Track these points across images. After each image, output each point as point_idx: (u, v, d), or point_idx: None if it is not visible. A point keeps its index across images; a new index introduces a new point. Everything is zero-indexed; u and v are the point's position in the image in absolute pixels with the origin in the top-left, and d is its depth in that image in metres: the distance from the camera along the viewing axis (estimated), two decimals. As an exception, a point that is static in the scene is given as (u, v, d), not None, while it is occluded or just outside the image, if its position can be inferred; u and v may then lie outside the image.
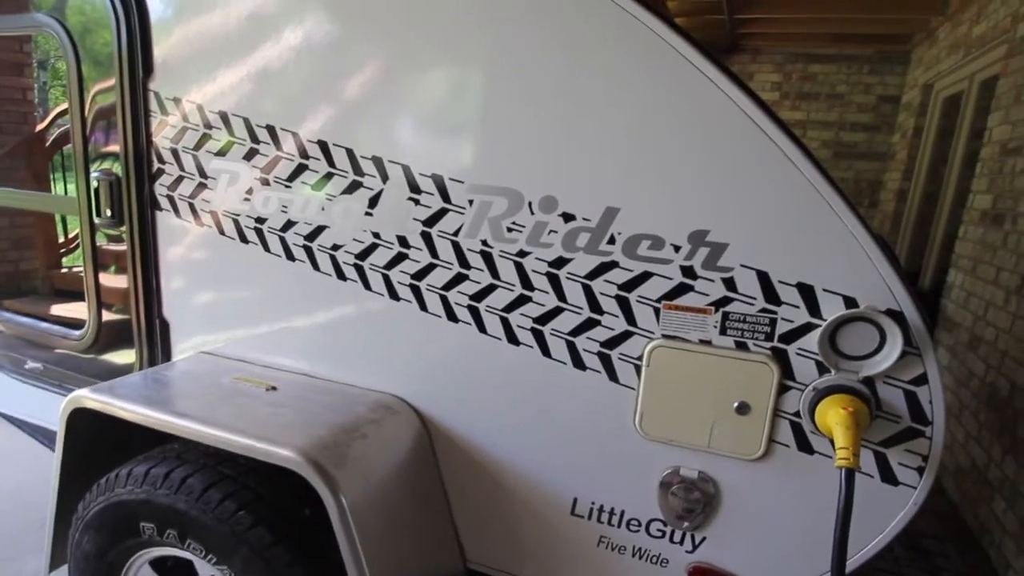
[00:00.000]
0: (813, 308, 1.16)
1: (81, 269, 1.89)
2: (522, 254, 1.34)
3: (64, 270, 3.30)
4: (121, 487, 1.39)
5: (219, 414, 1.37)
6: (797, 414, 1.20)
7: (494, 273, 1.37)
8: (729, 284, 1.20)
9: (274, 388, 1.52)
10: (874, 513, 1.19)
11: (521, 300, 1.36)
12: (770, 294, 1.18)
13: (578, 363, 1.35)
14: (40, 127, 3.38)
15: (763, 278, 1.18)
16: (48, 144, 3.28)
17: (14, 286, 3.36)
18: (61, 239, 3.53)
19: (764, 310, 1.19)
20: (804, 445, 1.21)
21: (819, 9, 5.16)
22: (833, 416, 1.09)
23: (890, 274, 1.10)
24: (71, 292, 2.91)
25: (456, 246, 1.39)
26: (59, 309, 2.41)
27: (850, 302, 1.13)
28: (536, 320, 1.36)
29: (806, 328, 1.17)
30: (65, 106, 2.26)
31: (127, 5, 1.63)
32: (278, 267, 1.59)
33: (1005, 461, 2.78)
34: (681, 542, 1.35)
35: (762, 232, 1.17)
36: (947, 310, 3.85)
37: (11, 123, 3.47)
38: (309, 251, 1.54)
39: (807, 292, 1.15)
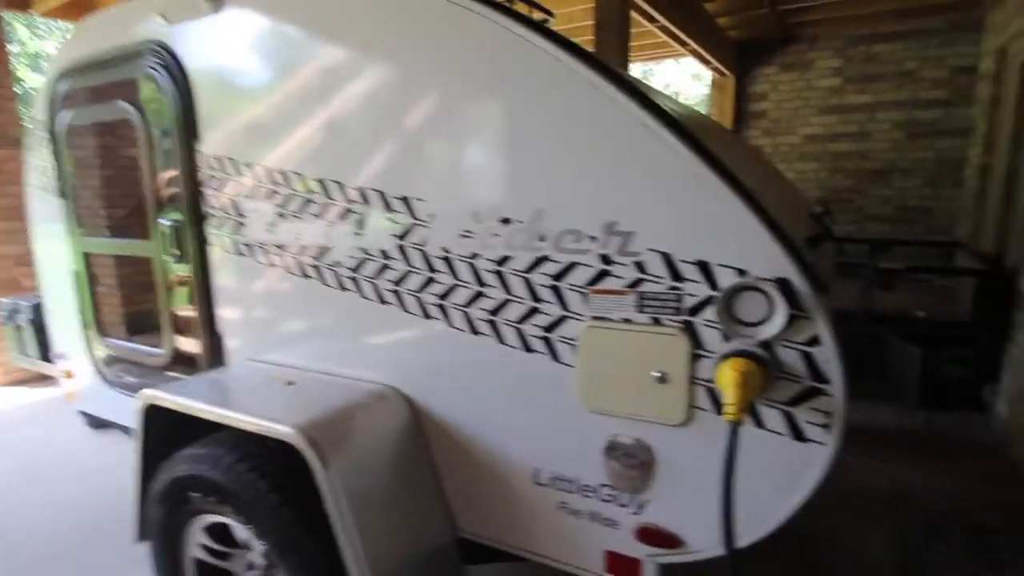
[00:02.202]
0: (712, 282, 1.28)
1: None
2: (474, 256, 1.56)
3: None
4: (176, 466, 1.75)
5: (241, 403, 1.69)
6: (711, 380, 1.31)
7: (455, 274, 1.60)
8: (640, 267, 1.35)
9: (292, 383, 1.83)
10: (790, 471, 1.27)
11: (477, 296, 1.58)
12: (674, 273, 1.31)
13: (527, 347, 1.53)
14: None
15: (667, 259, 1.31)
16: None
17: (143, 323, 4.02)
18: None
19: (671, 288, 1.32)
20: (722, 409, 1.32)
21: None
22: (724, 377, 1.21)
23: (776, 245, 1.20)
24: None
25: (424, 254, 1.63)
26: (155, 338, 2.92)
27: (741, 274, 1.24)
28: (491, 312, 1.57)
29: (709, 301, 1.29)
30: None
31: (179, 89, 2.05)
32: (296, 284, 1.91)
33: (1082, 447, 2.55)
34: (628, 505, 1.48)
35: (661, 218, 1.31)
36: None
37: (131, 186, 4.20)
38: (318, 269, 1.85)
39: (705, 268, 1.28)
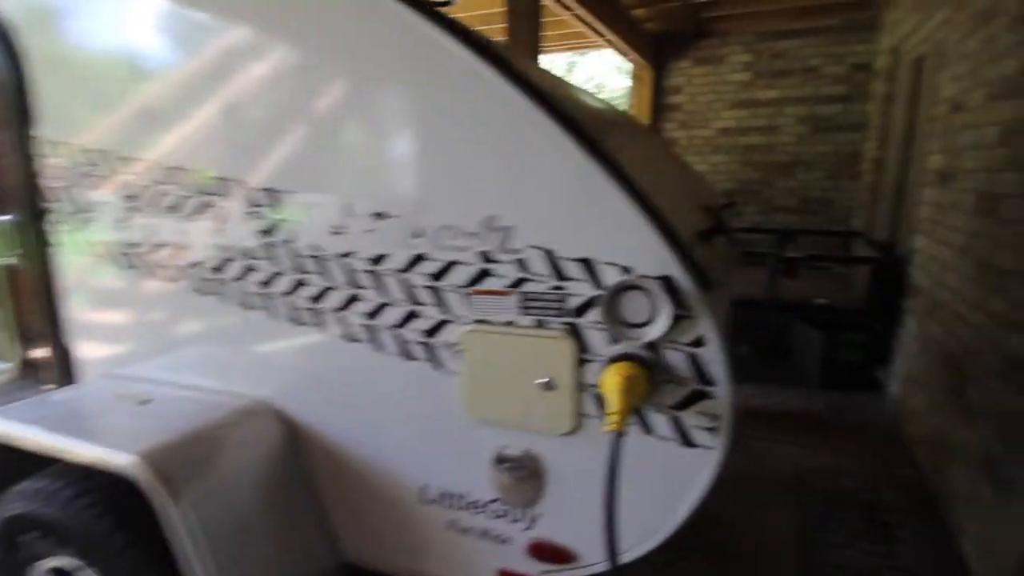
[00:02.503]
0: (596, 281, 1.18)
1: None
2: (347, 255, 1.40)
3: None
4: (9, 504, 1.49)
5: (78, 427, 1.46)
6: (598, 386, 1.23)
7: (326, 275, 1.43)
8: (522, 265, 1.24)
9: (147, 402, 1.61)
10: (680, 477, 1.21)
11: (351, 299, 1.42)
12: (557, 271, 1.21)
13: (407, 354, 1.40)
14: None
15: (549, 256, 1.21)
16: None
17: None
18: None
19: (555, 287, 1.22)
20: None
21: (776, -16, 5.12)
22: (607, 383, 1.12)
23: (660, 241, 1.12)
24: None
25: (292, 253, 1.46)
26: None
27: (625, 272, 1.15)
28: (367, 316, 1.42)
29: (593, 301, 1.19)
30: None
31: (9, 65, 1.76)
32: (153, 288, 1.68)
33: (959, 425, 2.70)
34: (519, 520, 1.38)
35: (542, 212, 1.20)
36: (913, 276, 3.76)
37: None
38: (176, 270, 1.63)
39: (588, 266, 1.18)
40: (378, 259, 1.37)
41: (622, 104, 9.09)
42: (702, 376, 1.14)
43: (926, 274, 3.49)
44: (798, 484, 3.14)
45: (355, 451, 1.54)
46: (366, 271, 1.38)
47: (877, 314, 4.27)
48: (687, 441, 1.19)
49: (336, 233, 1.40)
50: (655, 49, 6.39)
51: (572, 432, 1.27)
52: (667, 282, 1.12)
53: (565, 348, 1.22)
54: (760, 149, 6.26)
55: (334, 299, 1.44)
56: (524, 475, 1.33)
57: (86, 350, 1.89)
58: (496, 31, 3.69)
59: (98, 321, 1.85)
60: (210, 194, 1.52)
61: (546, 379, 1.25)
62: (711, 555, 2.54)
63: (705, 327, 1.12)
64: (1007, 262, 2.33)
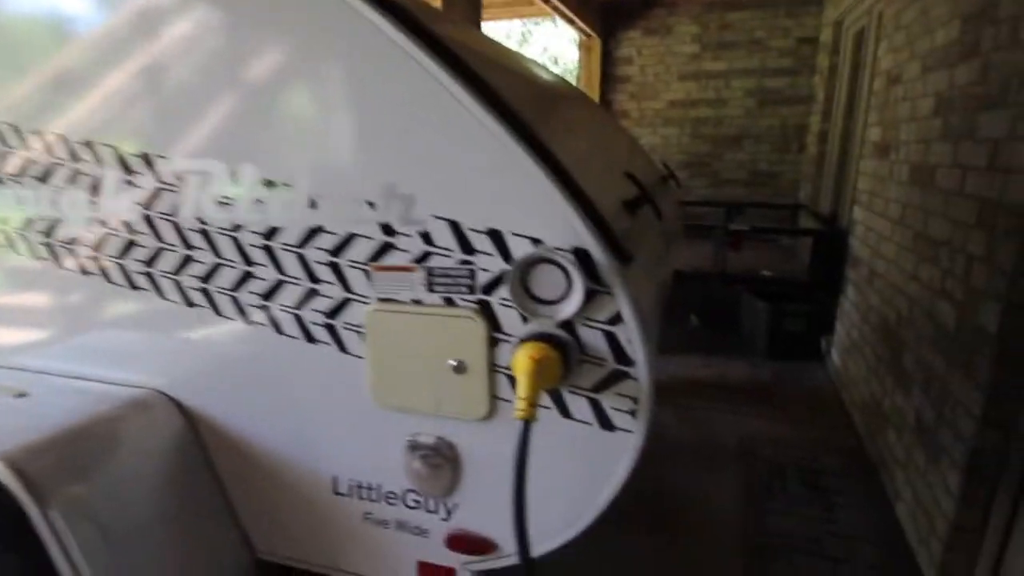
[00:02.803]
0: (506, 255, 1.08)
1: None
2: (236, 228, 1.26)
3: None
4: None
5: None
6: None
7: (215, 251, 1.29)
8: (426, 238, 1.12)
9: (24, 394, 1.44)
10: (600, 463, 1.13)
11: (245, 277, 1.28)
12: (464, 244, 1.10)
13: (309, 337, 1.27)
14: None
15: (455, 228, 1.10)
16: None
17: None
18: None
19: (462, 262, 1.11)
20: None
21: (722, -47, 5.04)
22: (518, 365, 1.03)
23: (572, 211, 1.03)
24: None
25: (176, 226, 1.30)
26: None
27: (536, 244, 1.05)
28: (263, 296, 1.28)
29: (503, 277, 1.09)
30: None
31: None
32: (27, 267, 1.49)
33: (895, 392, 2.75)
34: (436, 511, 1.29)
35: (446, 180, 1.09)
36: (853, 247, 3.81)
37: None
38: (50, 247, 1.45)
39: (497, 238, 1.08)
40: (270, 233, 1.23)
41: (572, 76, 8.95)
42: (620, 356, 1.06)
43: (865, 245, 3.54)
44: (743, 453, 3.18)
45: (261, 442, 1.41)
46: (258, 246, 1.25)
47: (820, 285, 4.34)
48: (606, 424, 1.11)
49: (223, 204, 1.25)
50: (603, 18, 6.26)
51: (487, 417, 1.17)
52: (581, 255, 1.02)
53: (476, 328, 1.12)
54: (709, 122, 6.25)
55: (226, 277, 1.30)
56: (438, 463, 1.24)
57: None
58: (434, -7, 3.49)
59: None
60: (79, 160, 1.34)
61: (457, 361, 1.15)
62: (656, 527, 2.53)
63: (621, 303, 1.03)
64: (939, 232, 2.34)
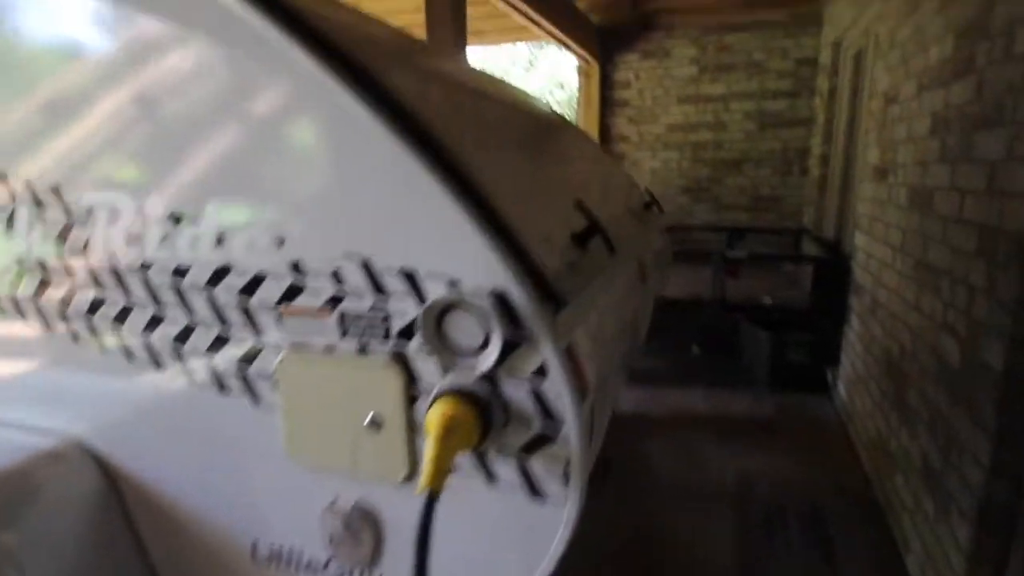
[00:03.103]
0: (421, 297, 0.96)
1: None
2: (145, 266, 1.15)
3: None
4: None
5: None
6: (433, 425, 1.00)
7: (126, 291, 1.18)
8: (337, 277, 1.01)
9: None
10: (530, 536, 0.99)
11: (155, 319, 1.17)
12: (377, 285, 0.98)
13: (222, 386, 1.15)
14: None
15: (366, 267, 0.98)
16: None
17: None
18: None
19: (375, 306, 0.99)
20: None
21: (717, -25, 4.99)
22: (429, 426, 0.90)
23: (491, 249, 0.90)
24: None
25: (88, 265, 1.20)
26: None
27: (452, 286, 0.93)
28: (174, 340, 1.17)
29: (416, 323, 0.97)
30: None
31: None
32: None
33: (901, 431, 2.57)
34: (359, 584, 1.15)
35: (355, 212, 0.98)
36: (855, 274, 3.64)
37: None
38: (-37, 286, 1.36)
39: (411, 279, 0.96)
40: (179, 271, 1.12)
41: (574, 102, 8.92)
42: (547, 414, 0.93)
43: (867, 272, 3.38)
44: (741, 492, 2.99)
45: (182, 500, 1.29)
46: (167, 286, 1.14)
47: (824, 313, 4.17)
48: (536, 492, 0.97)
49: (132, 241, 1.14)
50: (600, 42, 6.22)
51: (408, 479, 1.04)
52: (500, 299, 0.90)
53: (391, 379, 1.00)
54: (709, 145, 6.15)
55: (137, 320, 1.19)
56: (358, 530, 1.10)
57: None
58: (417, 21, 3.45)
59: None
60: (-7, 195, 1.25)
61: (372, 416, 1.02)
62: (646, 571, 2.36)
63: (546, 353, 0.90)
64: (940, 260, 2.19)
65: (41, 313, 1.29)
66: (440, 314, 0.92)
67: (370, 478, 1.06)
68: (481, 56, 14.01)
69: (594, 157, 2.42)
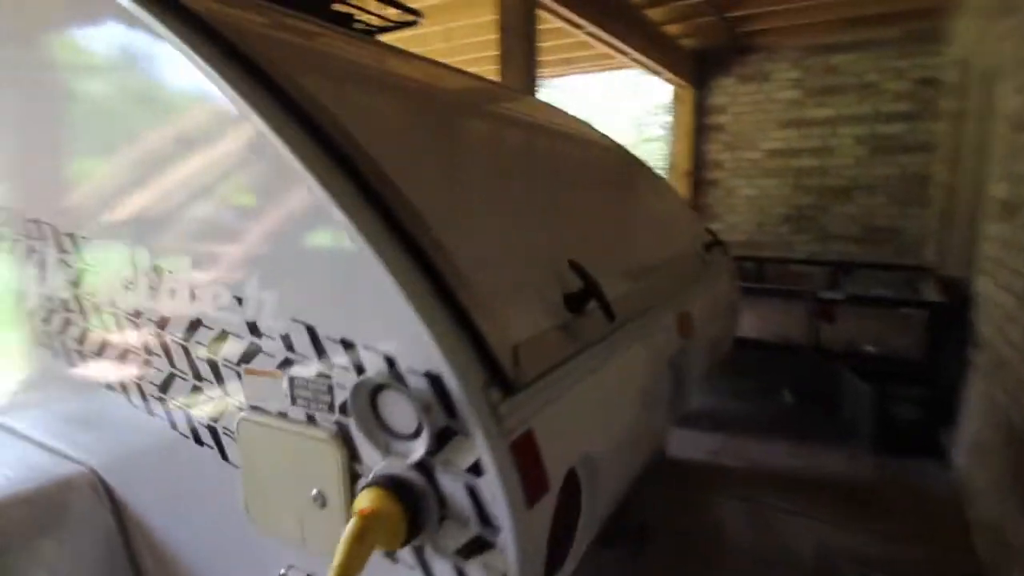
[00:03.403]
0: (360, 370, 0.89)
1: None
2: (137, 314, 1.18)
3: None
4: None
5: None
6: (375, 508, 0.92)
7: (123, 336, 1.22)
8: (287, 342, 0.96)
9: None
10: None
11: (145, 365, 1.20)
12: (321, 352, 0.92)
13: (196, 438, 1.15)
14: None
15: (312, 333, 0.93)
16: None
17: None
18: None
19: (320, 374, 0.93)
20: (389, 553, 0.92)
21: (820, -8, 4.60)
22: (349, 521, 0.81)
23: (427, 327, 0.81)
24: None
25: (96, 307, 1.26)
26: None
27: (390, 362, 0.85)
28: (159, 388, 1.18)
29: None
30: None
31: None
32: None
33: (1022, 522, 2.13)
34: (311, 664, 1.08)
35: (300, 276, 0.93)
36: (976, 324, 3.13)
37: None
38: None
39: (351, 349, 0.89)
40: (163, 323, 1.13)
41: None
42: (483, 516, 0.81)
43: (990, 323, 2.89)
44: (820, 570, 2.62)
45: (173, 542, 1.30)
46: (153, 335, 1.15)
47: (940, 366, 3.62)
48: (476, 601, 0.85)
49: (127, 288, 1.18)
50: (694, 67, 5.96)
51: (353, 562, 0.96)
52: (435, 381, 0.80)
53: (332, 454, 0.93)
54: (814, 172, 5.65)
55: (133, 364, 1.22)
56: (310, 607, 1.04)
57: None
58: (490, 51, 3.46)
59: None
60: (32, 238, 1.35)
61: (317, 491, 0.96)
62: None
63: (482, 449, 0.79)
64: (1069, 323, 1.79)
65: (65, 347, 1.37)
66: (372, 393, 0.84)
67: (317, 553, 1.00)
68: (580, 85, 13.95)
69: (650, 195, 2.26)
